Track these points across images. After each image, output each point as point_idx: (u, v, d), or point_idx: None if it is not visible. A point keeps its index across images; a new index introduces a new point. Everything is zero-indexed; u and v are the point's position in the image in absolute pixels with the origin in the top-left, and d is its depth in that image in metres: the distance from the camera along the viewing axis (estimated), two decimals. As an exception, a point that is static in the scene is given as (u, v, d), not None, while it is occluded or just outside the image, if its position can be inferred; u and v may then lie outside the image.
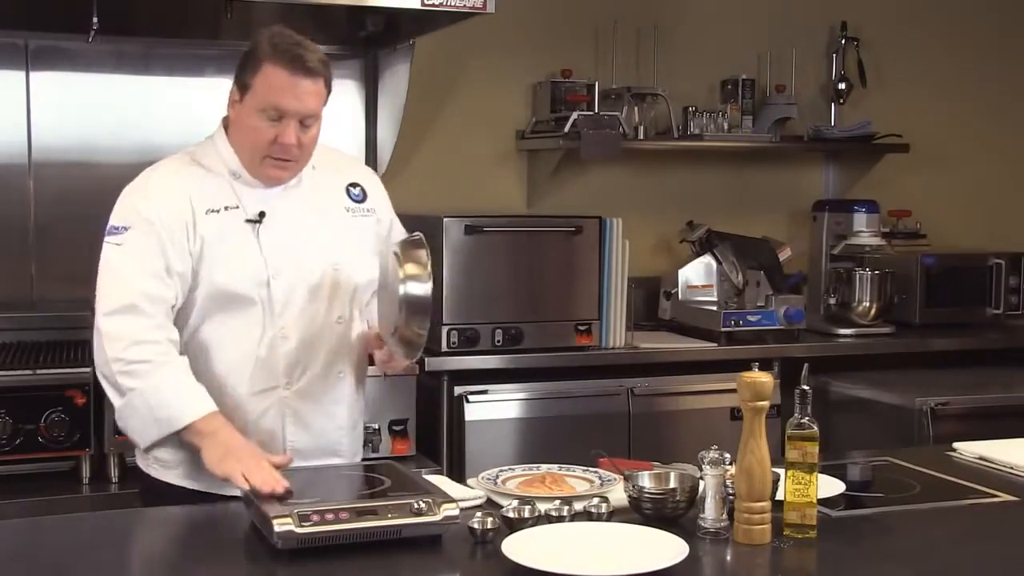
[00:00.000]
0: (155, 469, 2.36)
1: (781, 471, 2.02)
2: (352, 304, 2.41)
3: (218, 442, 2.15)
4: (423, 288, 2.20)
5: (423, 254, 2.23)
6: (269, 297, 2.30)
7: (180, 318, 2.29)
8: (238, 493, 2.08)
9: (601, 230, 3.84)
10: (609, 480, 2.25)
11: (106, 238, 2.28)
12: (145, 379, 2.18)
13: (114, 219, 2.30)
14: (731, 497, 1.99)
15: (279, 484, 1.99)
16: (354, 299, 2.42)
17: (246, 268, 2.29)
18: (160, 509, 2.33)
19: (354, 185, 2.48)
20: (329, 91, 2.31)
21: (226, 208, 2.30)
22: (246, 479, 2.02)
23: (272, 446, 2.30)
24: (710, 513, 1.99)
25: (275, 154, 2.27)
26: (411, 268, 2.21)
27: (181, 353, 2.26)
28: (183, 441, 2.22)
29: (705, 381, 3.85)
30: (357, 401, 2.49)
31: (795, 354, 3.90)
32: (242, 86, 2.28)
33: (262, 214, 2.31)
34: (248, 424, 2.30)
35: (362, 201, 2.46)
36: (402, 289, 2.19)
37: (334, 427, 2.43)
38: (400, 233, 2.54)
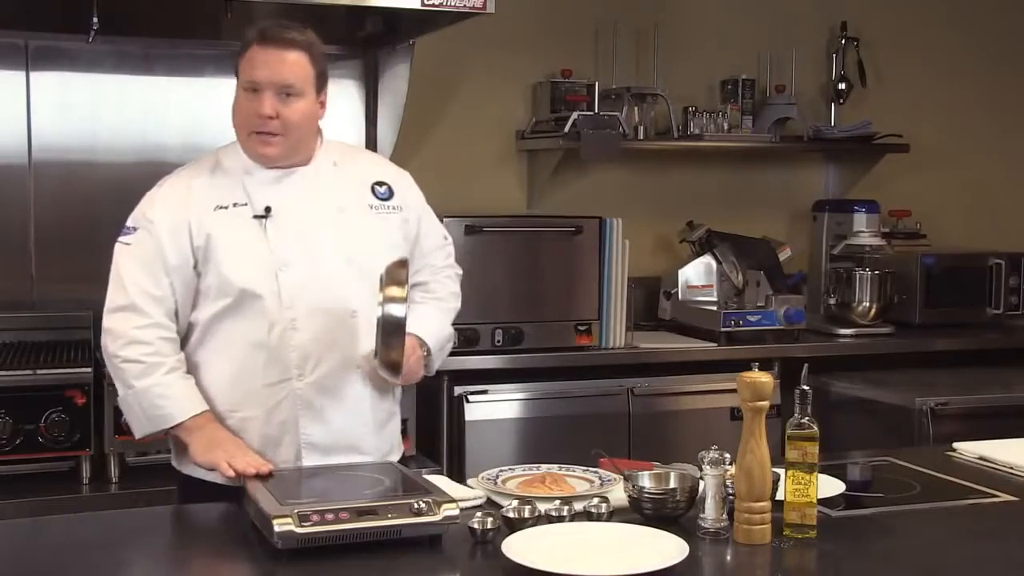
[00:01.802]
0: (188, 467, 2.38)
1: (781, 471, 2.02)
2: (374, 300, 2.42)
3: (204, 435, 2.29)
4: (400, 310, 2.21)
5: (403, 274, 2.24)
6: (278, 289, 2.33)
7: (194, 311, 2.37)
8: None
9: (601, 230, 3.84)
10: (609, 480, 2.25)
11: (119, 237, 2.38)
12: (138, 380, 2.31)
13: (129, 220, 2.40)
14: (731, 497, 1.99)
15: (263, 466, 2.16)
16: (373, 296, 2.42)
17: (253, 261, 2.34)
18: (160, 509, 2.33)
19: (380, 184, 2.50)
20: (317, 67, 2.35)
21: (235, 205, 2.37)
22: (230, 466, 2.17)
23: (285, 439, 2.35)
24: (710, 513, 1.99)
25: (256, 128, 2.33)
26: (390, 290, 2.21)
27: (196, 344, 2.37)
28: (172, 438, 2.36)
29: (705, 381, 3.86)
30: (383, 400, 2.48)
31: (795, 354, 3.90)
32: (236, 74, 2.36)
33: (268, 209, 2.35)
34: (262, 415, 2.35)
35: (388, 199, 2.49)
36: (380, 311, 2.21)
37: (356, 424, 2.42)
38: (436, 235, 2.59)
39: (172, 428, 2.32)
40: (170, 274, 2.33)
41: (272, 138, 2.33)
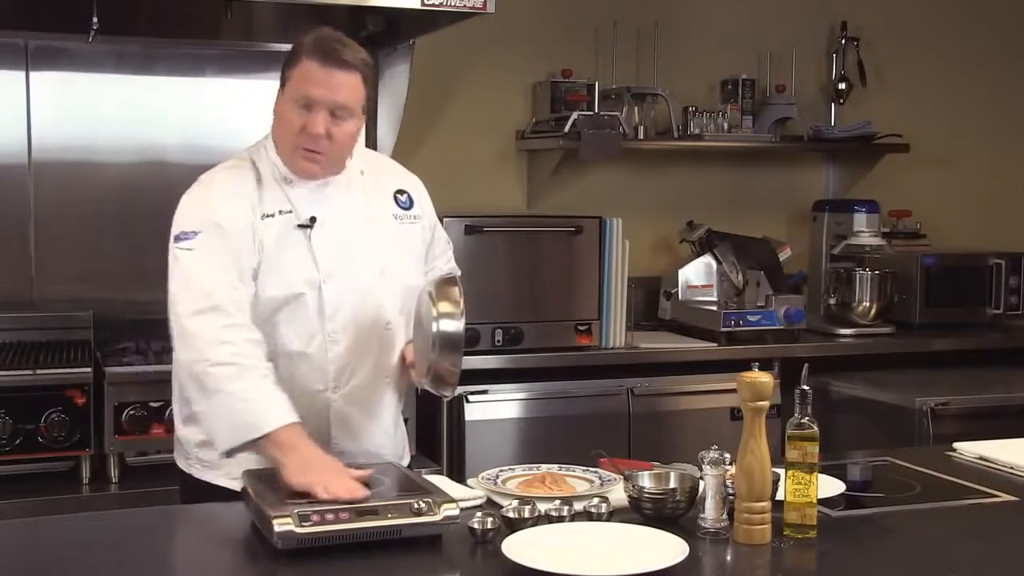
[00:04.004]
0: (197, 469, 2.37)
1: (781, 471, 2.02)
2: (399, 311, 2.41)
3: (299, 456, 2.09)
4: (455, 325, 2.20)
5: (456, 291, 2.24)
6: (320, 300, 2.31)
7: None
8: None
9: (601, 230, 3.85)
10: (609, 480, 2.25)
11: (175, 244, 2.26)
12: (230, 384, 2.15)
13: (182, 225, 2.28)
14: (731, 497, 1.99)
15: (360, 492, 1.99)
16: (401, 306, 2.42)
17: (300, 271, 2.30)
18: (159, 509, 2.32)
19: (401, 192, 2.49)
20: (368, 88, 2.31)
21: (280, 212, 2.31)
22: (326, 490, 1.98)
23: None
24: (710, 513, 1.99)
25: (305, 144, 2.28)
26: (444, 306, 2.21)
27: None
28: (261, 452, 2.15)
29: (705, 381, 3.86)
30: (398, 404, 2.50)
31: (795, 354, 3.90)
32: (282, 80, 2.32)
33: (313, 219, 2.32)
34: None
35: (409, 208, 2.48)
36: (435, 326, 2.20)
37: (379, 430, 2.43)
38: (442, 239, 2.59)
39: (261, 440, 2.11)
40: (244, 276, 2.25)
41: (319, 156, 2.29)
